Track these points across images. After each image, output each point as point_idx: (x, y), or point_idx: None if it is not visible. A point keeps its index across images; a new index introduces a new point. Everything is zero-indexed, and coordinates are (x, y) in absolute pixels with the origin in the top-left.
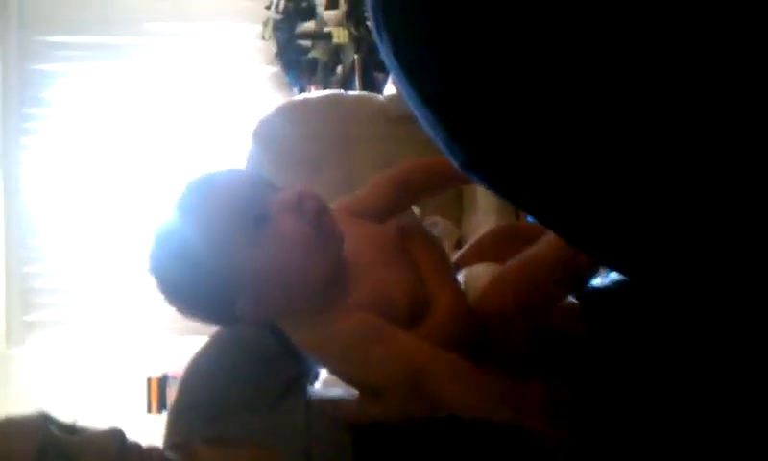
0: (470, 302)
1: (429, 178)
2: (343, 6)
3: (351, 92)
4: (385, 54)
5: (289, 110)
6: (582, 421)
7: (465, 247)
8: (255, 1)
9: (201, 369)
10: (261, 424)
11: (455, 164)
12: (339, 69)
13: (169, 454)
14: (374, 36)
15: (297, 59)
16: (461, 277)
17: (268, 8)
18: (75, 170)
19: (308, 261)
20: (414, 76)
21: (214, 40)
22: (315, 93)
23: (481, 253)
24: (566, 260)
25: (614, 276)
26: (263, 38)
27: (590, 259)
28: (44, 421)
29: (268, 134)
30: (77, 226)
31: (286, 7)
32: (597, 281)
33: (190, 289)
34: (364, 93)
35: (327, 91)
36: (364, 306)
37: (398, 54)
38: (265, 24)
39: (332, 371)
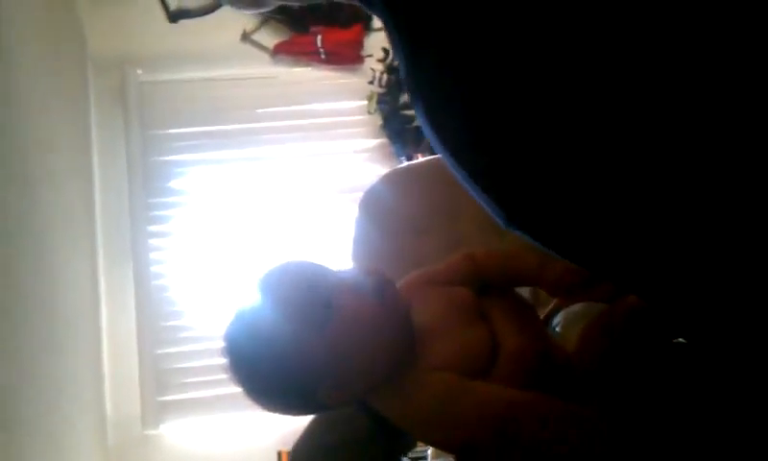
0: (570, 342)
1: (502, 271)
2: None
3: None
4: (419, 118)
5: (393, 178)
6: None
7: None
8: (359, 77)
9: (305, 451)
10: None
11: (499, 222)
12: None
13: None
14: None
15: (402, 129)
16: (560, 316)
17: (371, 82)
18: (202, 252)
19: (376, 335)
20: (448, 143)
21: (322, 118)
22: (419, 160)
23: None
24: None
25: None
26: (368, 112)
27: None
28: None
29: (373, 204)
30: (207, 306)
31: (389, 80)
32: None
33: (272, 390)
34: None
35: (431, 156)
36: (442, 367)
37: (431, 120)
38: (369, 98)
39: (425, 439)
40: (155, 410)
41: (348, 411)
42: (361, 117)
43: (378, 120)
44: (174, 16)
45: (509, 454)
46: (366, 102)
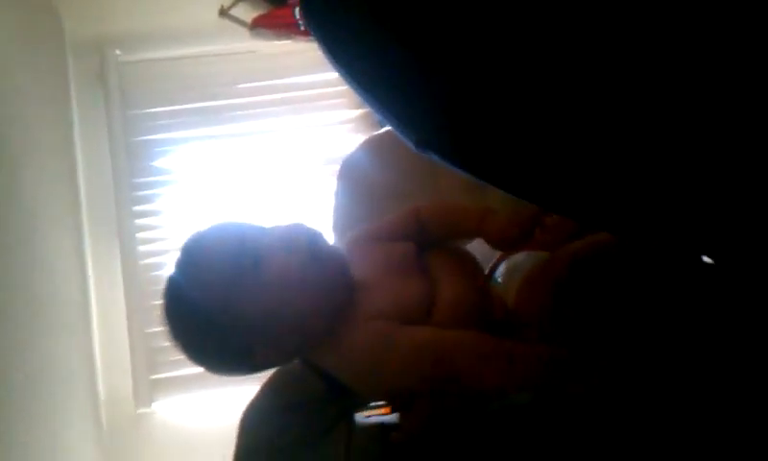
0: (510, 293)
1: (443, 224)
2: None
3: None
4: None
5: (370, 145)
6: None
7: None
8: None
9: (257, 414)
10: (309, 458)
11: (409, 144)
12: None
13: None
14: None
15: None
16: (502, 267)
17: None
18: (189, 230)
19: (307, 290)
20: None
21: (305, 91)
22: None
23: None
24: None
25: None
26: None
27: None
28: None
29: (351, 172)
30: None
31: None
32: None
33: (207, 348)
34: None
35: None
36: (377, 316)
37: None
38: None
39: (364, 390)
40: (147, 388)
41: (299, 370)
42: (343, 88)
43: None
44: None
45: (446, 396)
46: None
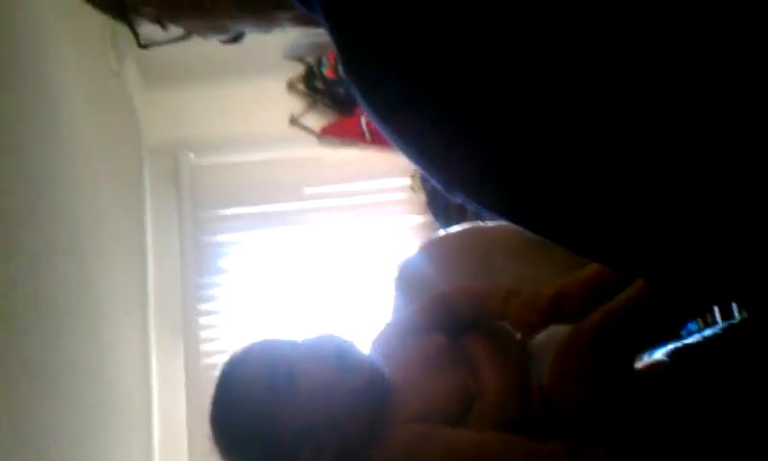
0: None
1: (470, 308)
2: None
3: (490, 222)
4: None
5: (427, 249)
6: None
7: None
8: (403, 157)
9: None
10: None
11: (439, 186)
12: (490, 223)
13: None
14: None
15: (446, 205)
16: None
17: None
18: (251, 330)
19: (341, 396)
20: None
21: (368, 197)
22: (453, 228)
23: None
24: (637, 309)
25: (704, 333)
26: (413, 190)
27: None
28: None
29: (408, 277)
30: None
31: None
32: (688, 339)
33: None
34: (503, 222)
35: (466, 224)
36: (414, 419)
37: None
38: (413, 176)
39: None
40: None
41: None
42: (406, 195)
43: (423, 197)
44: (144, 45)
45: None
46: (410, 180)
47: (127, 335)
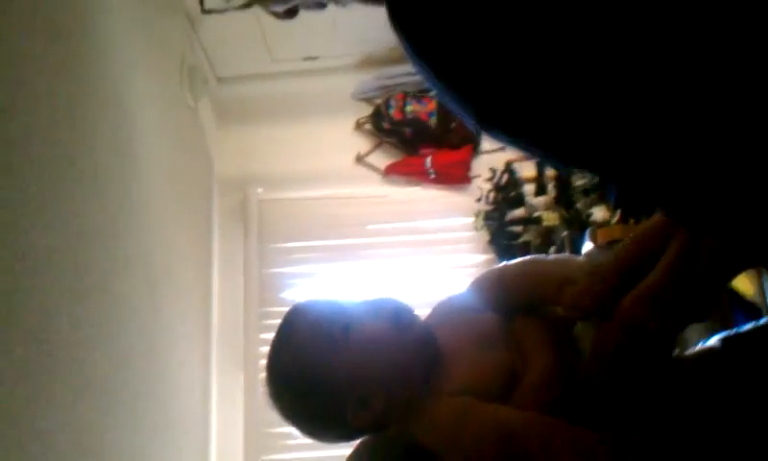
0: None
1: (525, 291)
2: (551, 192)
3: (550, 255)
4: (411, 59)
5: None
6: None
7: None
8: (467, 196)
9: None
10: None
11: (470, 125)
12: (552, 250)
13: None
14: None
15: (508, 244)
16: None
17: (479, 200)
18: None
19: (391, 355)
20: (434, 62)
21: (431, 235)
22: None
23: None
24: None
25: (760, 322)
26: (475, 229)
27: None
28: None
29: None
30: None
31: (495, 197)
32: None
33: (304, 409)
34: (562, 255)
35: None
36: (459, 391)
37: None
38: (477, 215)
39: (447, 459)
40: None
41: (384, 439)
42: (468, 233)
43: (485, 236)
44: (207, 10)
45: None
46: (473, 219)
47: (189, 362)
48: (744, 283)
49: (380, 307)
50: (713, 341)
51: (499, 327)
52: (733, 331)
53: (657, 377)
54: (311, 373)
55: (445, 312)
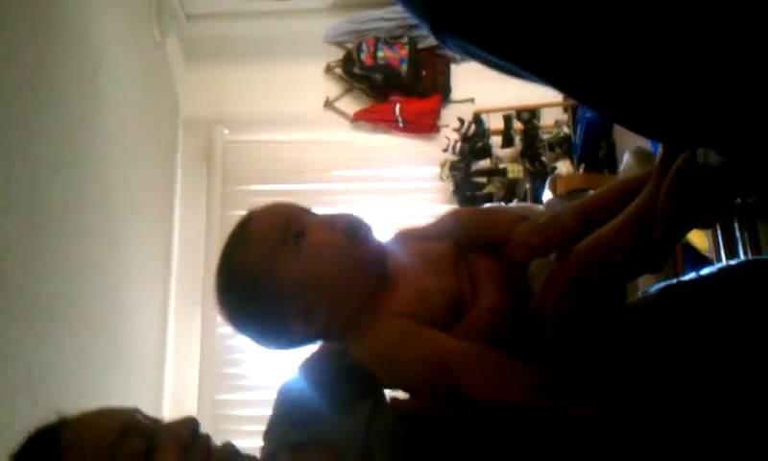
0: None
1: (478, 227)
2: (518, 145)
3: (513, 204)
4: None
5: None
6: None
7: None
8: (434, 146)
9: (289, 386)
10: (334, 426)
11: (426, 27)
12: (514, 202)
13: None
14: None
15: (473, 194)
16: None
17: (446, 150)
18: None
19: (341, 268)
20: None
21: (396, 183)
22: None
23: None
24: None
25: (696, 273)
26: (441, 179)
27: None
28: (135, 412)
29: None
30: (266, 356)
31: (462, 148)
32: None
33: (249, 313)
34: (525, 204)
35: (491, 204)
36: (401, 312)
37: None
38: (443, 165)
39: (381, 378)
40: None
41: (333, 350)
42: (434, 183)
43: (450, 186)
44: None
45: (449, 401)
46: (439, 169)
47: (147, 299)
48: (699, 238)
49: (337, 218)
50: (654, 289)
51: (453, 255)
52: (674, 281)
53: (601, 322)
54: (258, 276)
55: (403, 238)
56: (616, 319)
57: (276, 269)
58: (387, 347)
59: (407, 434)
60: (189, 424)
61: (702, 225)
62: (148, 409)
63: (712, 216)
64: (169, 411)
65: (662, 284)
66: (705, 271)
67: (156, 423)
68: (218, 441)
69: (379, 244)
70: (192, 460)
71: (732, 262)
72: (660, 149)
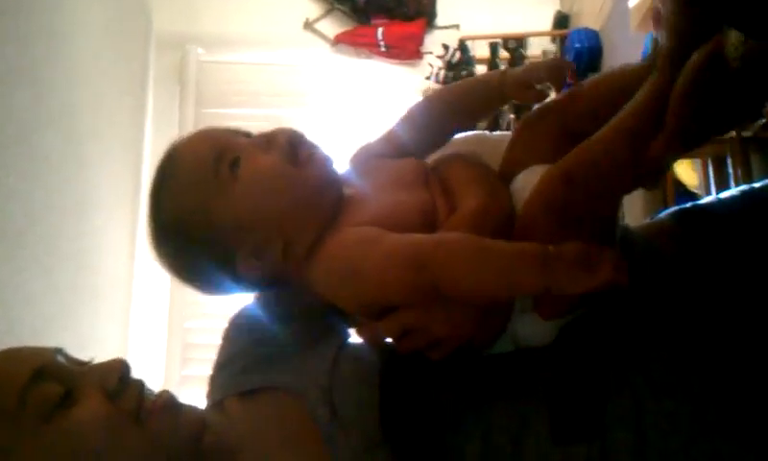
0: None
1: (461, 96)
2: None
3: (495, 132)
4: None
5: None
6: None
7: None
8: (417, 73)
9: (243, 318)
10: (294, 369)
11: None
12: (497, 132)
13: (182, 404)
14: None
15: None
16: (517, 180)
17: (428, 78)
18: None
19: (290, 195)
20: None
21: (377, 110)
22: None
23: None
24: (630, 143)
25: (715, 198)
26: None
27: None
28: (55, 352)
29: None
30: None
31: (445, 76)
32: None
33: (188, 261)
34: (507, 132)
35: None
36: (362, 222)
37: None
38: (425, 93)
39: (342, 303)
40: (176, 384)
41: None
42: None
43: None
44: None
45: (428, 300)
46: (421, 97)
47: (115, 223)
48: (688, 174)
49: (275, 138)
50: (666, 215)
51: (420, 169)
52: (689, 205)
53: (597, 235)
54: (192, 219)
55: (360, 158)
56: (628, 251)
57: (211, 207)
58: (348, 257)
59: (375, 379)
60: (117, 368)
61: (724, 129)
62: (115, 336)
63: (739, 120)
64: (135, 340)
65: (675, 209)
66: (725, 195)
67: (81, 366)
68: (189, 371)
69: (328, 162)
70: (120, 408)
71: (756, 185)
72: (660, 42)
